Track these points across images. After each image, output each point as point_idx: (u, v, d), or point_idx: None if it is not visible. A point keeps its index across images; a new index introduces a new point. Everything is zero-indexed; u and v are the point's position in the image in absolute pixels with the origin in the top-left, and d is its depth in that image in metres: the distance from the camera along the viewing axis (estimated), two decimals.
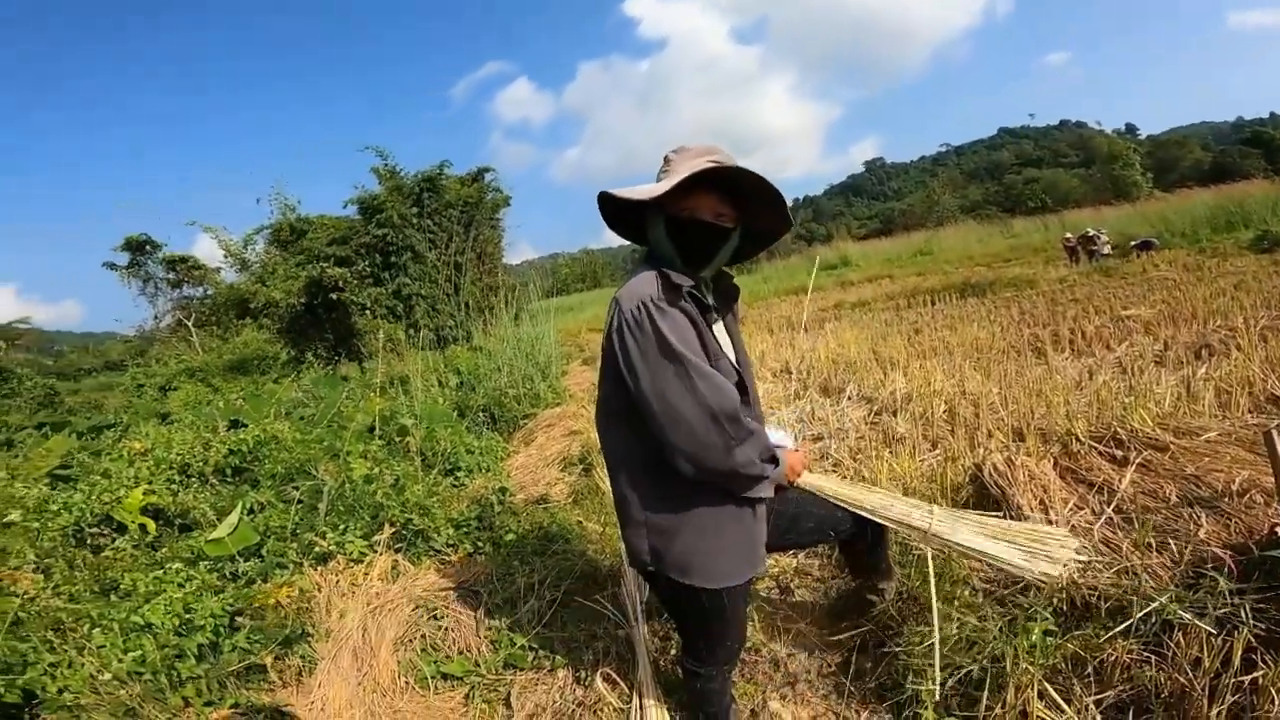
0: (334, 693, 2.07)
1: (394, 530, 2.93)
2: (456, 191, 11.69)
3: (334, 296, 10.96)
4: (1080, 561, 1.81)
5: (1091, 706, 1.56)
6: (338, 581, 2.58)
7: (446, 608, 2.50)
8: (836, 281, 17.27)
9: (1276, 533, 1.72)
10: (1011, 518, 2.15)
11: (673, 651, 2.19)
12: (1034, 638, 1.64)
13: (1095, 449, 2.70)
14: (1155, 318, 5.76)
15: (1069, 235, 13.51)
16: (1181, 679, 1.50)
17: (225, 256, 15.05)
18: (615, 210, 1.62)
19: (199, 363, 12.11)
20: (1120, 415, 2.93)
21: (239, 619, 2.28)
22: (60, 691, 1.85)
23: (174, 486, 3.24)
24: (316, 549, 2.74)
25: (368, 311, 11.02)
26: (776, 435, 1.75)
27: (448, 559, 2.93)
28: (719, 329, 1.63)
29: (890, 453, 3.28)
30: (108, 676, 1.91)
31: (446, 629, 2.42)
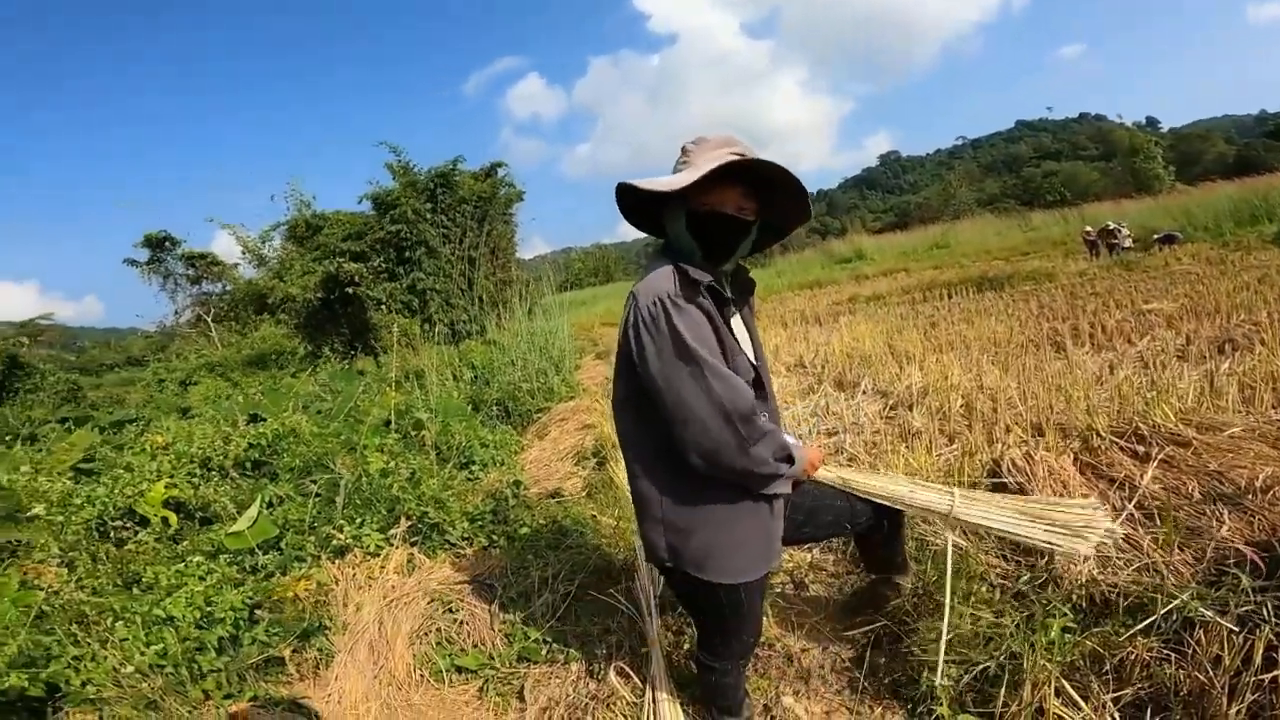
0: (350, 685, 2.09)
1: (410, 524, 2.95)
2: (470, 187, 11.71)
3: (350, 291, 11.04)
4: (1116, 535, 1.74)
5: (1109, 704, 1.54)
6: (354, 574, 2.60)
7: (461, 601, 2.51)
8: (851, 275, 17.15)
9: None
10: None
11: (686, 645, 2.19)
12: (1052, 634, 1.63)
13: (1116, 444, 2.66)
14: (1177, 312, 5.68)
15: (1089, 229, 13.34)
16: (1201, 677, 1.48)
17: (243, 253, 15.30)
18: (634, 202, 1.59)
19: (218, 357, 12.32)
20: (1142, 410, 2.89)
21: (258, 612, 2.30)
22: (83, 685, 1.87)
23: (195, 480, 3.30)
24: (334, 542, 2.76)
25: (383, 306, 11.09)
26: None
27: (463, 552, 2.94)
28: (735, 322, 1.61)
29: (906, 447, 3.25)
30: (130, 669, 1.93)
31: (461, 622, 2.43)
